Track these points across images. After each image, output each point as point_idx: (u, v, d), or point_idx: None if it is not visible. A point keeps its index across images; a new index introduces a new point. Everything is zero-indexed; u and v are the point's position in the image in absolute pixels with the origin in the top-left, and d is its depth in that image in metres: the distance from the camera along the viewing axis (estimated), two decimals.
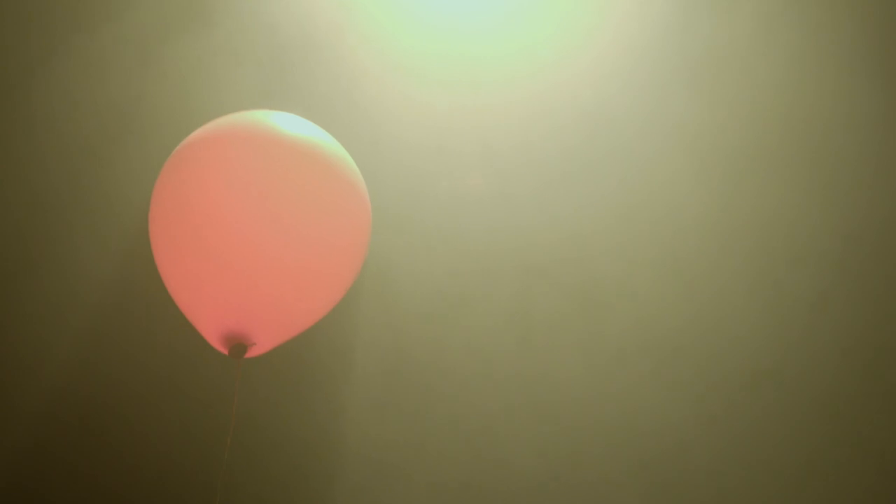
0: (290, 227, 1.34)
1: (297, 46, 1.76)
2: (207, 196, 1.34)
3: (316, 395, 1.58)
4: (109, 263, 1.61)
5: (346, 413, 1.57)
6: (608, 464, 1.57)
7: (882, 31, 1.78)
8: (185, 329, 1.56)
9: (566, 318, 1.64)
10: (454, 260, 1.66)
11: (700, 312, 1.66)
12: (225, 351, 1.37)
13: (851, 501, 1.57)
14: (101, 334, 1.57)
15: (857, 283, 1.69)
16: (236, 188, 1.33)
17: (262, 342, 1.37)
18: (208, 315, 1.35)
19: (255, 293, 1.33)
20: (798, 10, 1.79)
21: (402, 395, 1.59)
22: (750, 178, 1.74)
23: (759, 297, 1.68)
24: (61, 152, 1.65)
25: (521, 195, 1.72)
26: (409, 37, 1.77)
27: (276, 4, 1.74)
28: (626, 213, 1.71)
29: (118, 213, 1.64)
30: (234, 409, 1.37)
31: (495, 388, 1.60)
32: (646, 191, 1.73)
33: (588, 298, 1.65)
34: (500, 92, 1.77)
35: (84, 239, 1.62)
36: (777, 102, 1.78)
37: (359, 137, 1.71)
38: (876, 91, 1.78)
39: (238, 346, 1.35)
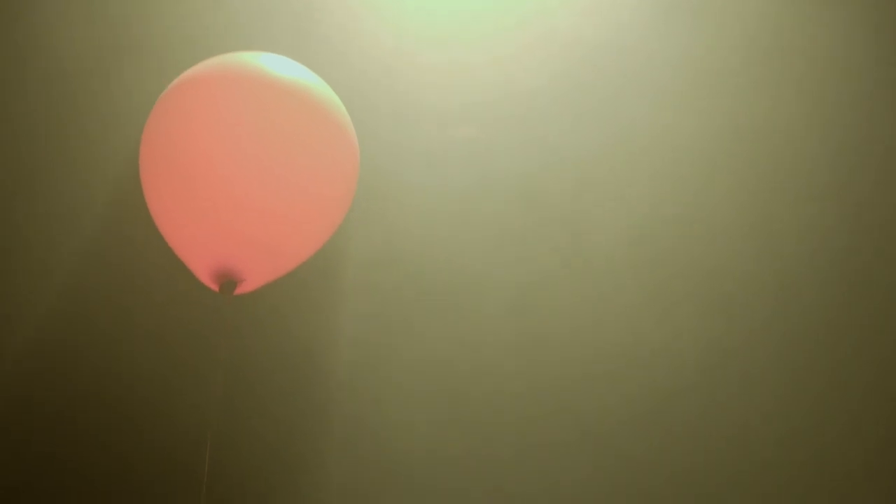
0: (280, 167, 1.34)
1: None
2: (198, 135, 1.34)
3: (312, 282, 1.60)
4: (98, 201, 1.61)
5: (340, 302, 1.59)
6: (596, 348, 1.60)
7: None
8: (176, 265, 1.58)
9: (558, 240, 1.66)
10: (445, 189, 1.68)
11: (707, 253, 1.68)
12: (215, 288, 1.38)
13: (865, 423, 1.60)
14: (91, 266, 1.58)
15: (858, 214, 1.71)
16: (227, 127, 1.34)
17: (252, 279, 1.38)
18: (198, 253, 1.37)
19: (244, 231, 1.34)
20: None
21: (391, 282, 1.62)
22: (756, 107, 1.75)
23: (764, 229, 1.69)
24: (43, 93, 1.65)
25: (518, 136, 1.73)
26: None
27: None
28: (627, 157, 1.73)
29: (106, 151, 1.64)
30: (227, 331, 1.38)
31: (483, 299, 1.63)
32: (650, 126, 1.74)
33: (582, 224, 1.67)
34: (493, 44, 1.78)
35: (72, 177, 1.62)
36: (783, 30, 1.78)
37: (350, 87, 1.73)
38: (878, 14, 1.80)
39: (228, 282, 1.37)
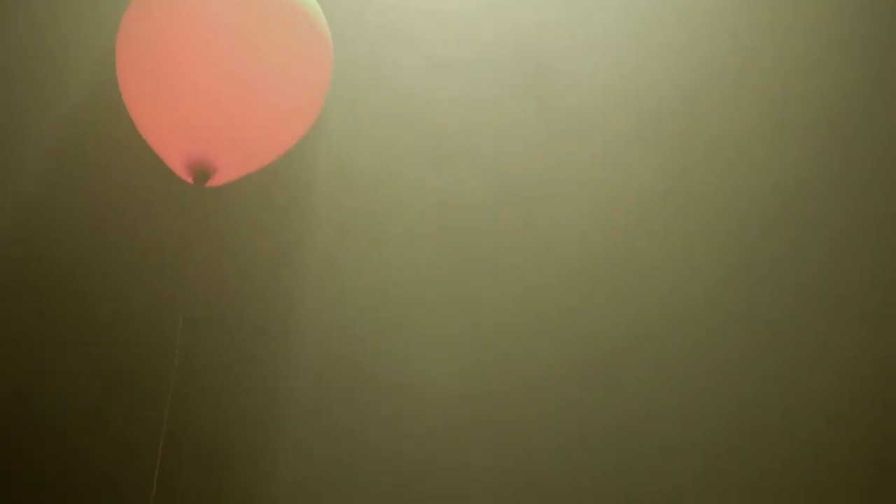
0: (255, 59, 1.34)
1: None
2: (173, 27, 1.34)
3: (285, 175, 1.61)
4: (72, 96, 1.59)
5: (314, 201, 1.62)
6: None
7: None
8: (150, 157, 1.58)
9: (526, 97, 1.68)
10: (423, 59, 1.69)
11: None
12: (189, 179, 1.40)
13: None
14: (65, 158, 1.57)
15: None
16: (202, 19, 1.33)
17: (225, 169, 1.39)
18: (172, 143, 1.37)
19: (217, 122, 1.34)
20: None
21: (366, 179, 1.62)
22: None
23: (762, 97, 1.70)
24: None
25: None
26: None
27: None
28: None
29: (82, 43, 1.62)
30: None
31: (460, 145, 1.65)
32: None
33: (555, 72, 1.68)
34: None
35: (47, 71, 1.60)
36: None
37: None
38: None
39: (201, 173, 1.38)
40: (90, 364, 1.50)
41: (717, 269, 1.62)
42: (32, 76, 1.60)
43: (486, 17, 1.72)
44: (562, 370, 1.55)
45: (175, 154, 1.38)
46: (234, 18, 1.34)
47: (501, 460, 1.51)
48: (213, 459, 1.47)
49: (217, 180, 1.41)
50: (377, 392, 1.53)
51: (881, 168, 1.66)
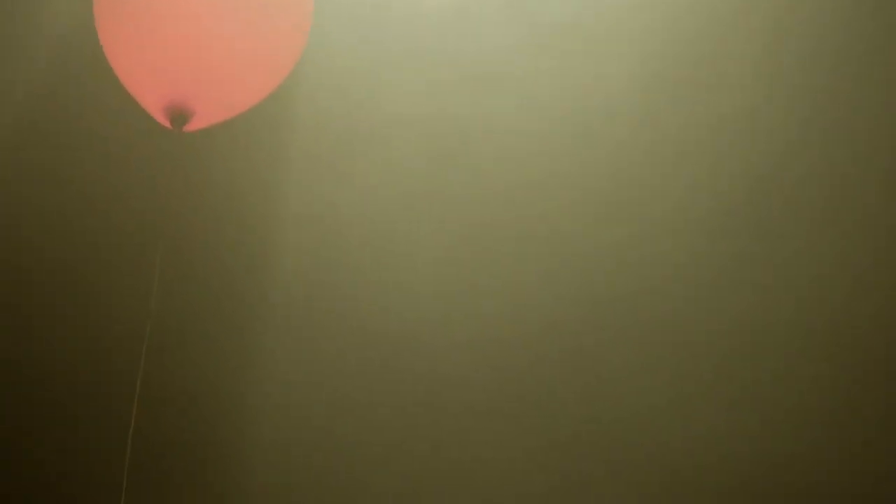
0: (237, 3, 1.32)
1: None
2: None
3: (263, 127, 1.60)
4: (49, 40, 1.57)
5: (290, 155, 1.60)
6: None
7: None
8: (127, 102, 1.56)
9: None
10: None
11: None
12: (167, 122, 1.37)
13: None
14: (40, 102, 1.56)
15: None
16: None
17: (204, 113, 1.37)
18: (149, 86, 1.35)
19: (197, 64, 1.33)
20: None
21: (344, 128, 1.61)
22: None
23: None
24: None
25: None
26: None
27: None
28: None
29: None
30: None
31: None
32: None
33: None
34: None
35: (23, 16, 1.58)
36: None
37: None
38: None
39: (179, 116, 1.36)
40: (66, 312, 1.49)
41: (704, 178, 1.57)
42: (8, 20, 1.58)
43: None
44: (552, 296, 1.52)
45: (153, 98, 1.35)
46: None
47: (496, 405, 1.49)
48: (189, 409, 1.47)
49: (195, 124, 1.39)
50: (363, 333, 1.52)
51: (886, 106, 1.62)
